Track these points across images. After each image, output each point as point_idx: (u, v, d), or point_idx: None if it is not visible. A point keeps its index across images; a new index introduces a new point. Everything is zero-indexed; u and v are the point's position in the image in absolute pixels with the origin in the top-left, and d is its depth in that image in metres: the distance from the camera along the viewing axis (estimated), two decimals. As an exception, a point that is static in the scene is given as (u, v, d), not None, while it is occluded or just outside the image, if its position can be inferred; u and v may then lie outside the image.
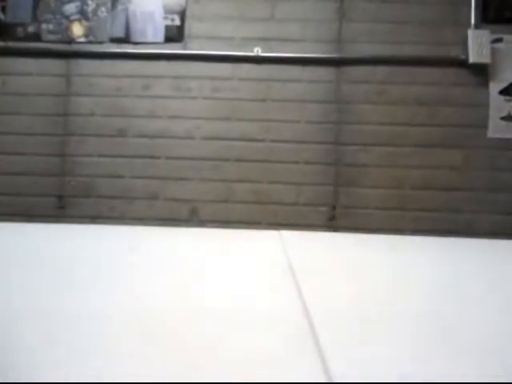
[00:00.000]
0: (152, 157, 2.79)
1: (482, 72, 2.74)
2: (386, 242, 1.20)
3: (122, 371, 0.30)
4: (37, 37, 2.83)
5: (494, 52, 2.71)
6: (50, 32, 2.83)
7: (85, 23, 2.83)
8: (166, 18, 2.82)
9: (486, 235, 2.62)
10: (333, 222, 2.72)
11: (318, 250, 0.98)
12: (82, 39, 2.84)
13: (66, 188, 2.79)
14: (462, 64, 2.72)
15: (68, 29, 2.84)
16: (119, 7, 2.83)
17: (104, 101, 2.81)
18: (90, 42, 2.83)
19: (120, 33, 2.83)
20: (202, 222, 2.75)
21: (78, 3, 2.83)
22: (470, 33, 2.69)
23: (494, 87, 2.74)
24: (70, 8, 2.84)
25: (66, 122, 2.82)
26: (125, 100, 2.81)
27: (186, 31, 2.83)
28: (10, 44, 2.83)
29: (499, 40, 2.73)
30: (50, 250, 0.80)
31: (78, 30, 2.83)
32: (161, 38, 2.82)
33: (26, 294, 0.48)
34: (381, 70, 2.78)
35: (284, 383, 0.31)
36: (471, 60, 2.68)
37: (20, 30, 2.83)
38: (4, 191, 2.78)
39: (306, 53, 2.78)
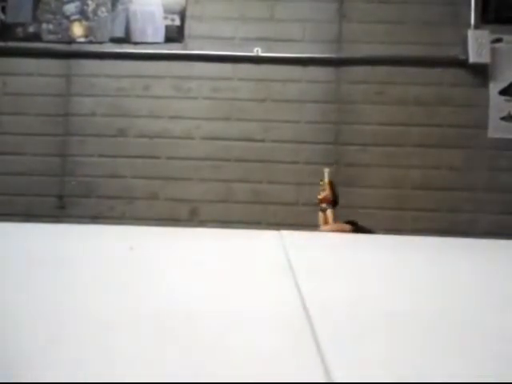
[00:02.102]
0: (152, 157, 2.79)
1: (481, 72, 2.74)
2: (385, 242, 1.20)
3: (122, 371, 0.31)
4: (37, 37, 2.83)
5: (493, 52, 2.70)
6: (50, 32, 2.83)
7: (85, 23, 2.84)
8: (166, 18, 2.82)
9: (485, 235, 2.62)
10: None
11: (318, 250, 0.98)
12: (83, 39, 2.84)
13: (67, 188, 2.80)
14: (462, 64, 2.72)
15: (68, 29, 2.84)
16: (119, 7, 2.83)
17: (104, 101, 2.82)
18: (91, 42, 2.83)
19: (120, 33, 2.83)
20: (202, 222, 2.75)
21: (78, 3, 2.84)
22: (470, 33, 2.69)
23: (494, 87, 2.74)
24: (70, 8, 2.84)
25: (66, 122, 2.82)
26: (125, 100, 2.81)
27: (186, 31, 2.83)
28: (11, 44, 2.83)
29: (499, 40, 2.73)
30: (50, 250, 0.80)
31: (78, 30, 2.84)
32: (161, 38, 2.82)
33: (26, 293, 0.48)
34: (380, 70, 2.78)
35: (284, 383, 0.31)
36: (471, 60, 2.68)
37: (20, 30, 2.83)
38: (4, 191, 2.78)
39: (305, 53, 2.78)
